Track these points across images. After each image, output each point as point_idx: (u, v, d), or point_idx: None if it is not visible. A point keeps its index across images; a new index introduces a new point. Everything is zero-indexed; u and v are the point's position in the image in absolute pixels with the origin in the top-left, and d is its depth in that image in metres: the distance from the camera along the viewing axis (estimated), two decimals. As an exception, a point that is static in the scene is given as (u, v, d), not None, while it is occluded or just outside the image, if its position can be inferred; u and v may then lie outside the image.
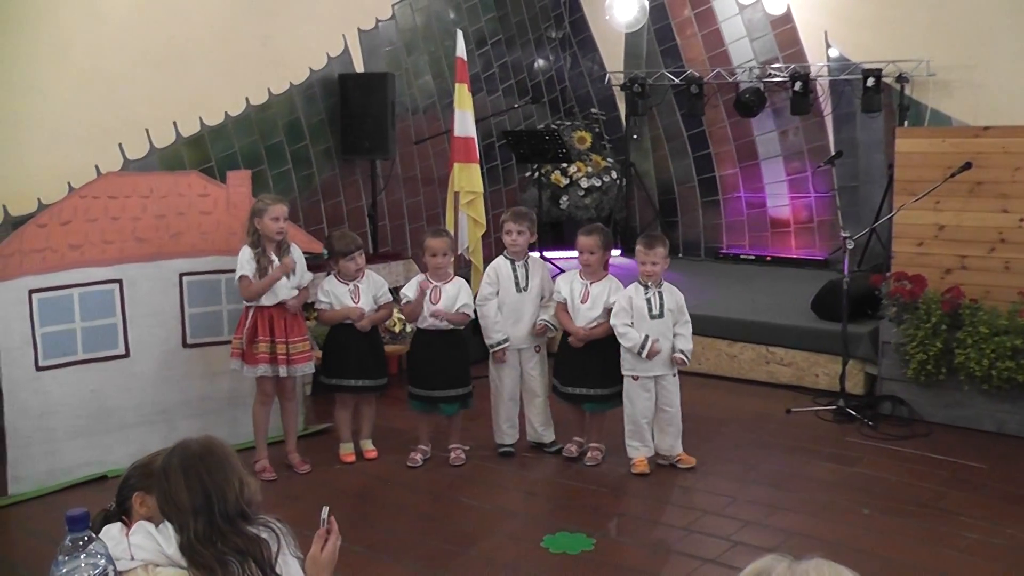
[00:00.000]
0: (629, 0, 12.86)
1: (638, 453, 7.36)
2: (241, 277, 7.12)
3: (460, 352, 7.61)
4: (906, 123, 11.27)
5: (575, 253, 7.61)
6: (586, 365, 7.41)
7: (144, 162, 8.82)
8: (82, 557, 2.68)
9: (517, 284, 7.62)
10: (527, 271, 7.65)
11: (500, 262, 7.74)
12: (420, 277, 7.57)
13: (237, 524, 3.24)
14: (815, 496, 6.89)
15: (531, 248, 7.89)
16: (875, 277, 8.93)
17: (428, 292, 7.38)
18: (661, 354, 7.22)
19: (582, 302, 7.40)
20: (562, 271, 9.11)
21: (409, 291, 7.46)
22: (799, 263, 12.44)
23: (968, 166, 8.04)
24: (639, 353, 7.17)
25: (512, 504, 6.96)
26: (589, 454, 7.55)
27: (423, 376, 7.53)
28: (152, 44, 8.86)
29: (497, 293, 7.66)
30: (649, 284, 7.27)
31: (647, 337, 7.15)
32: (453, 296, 7.50)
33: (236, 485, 3.28)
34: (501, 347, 7.65)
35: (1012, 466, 7.33)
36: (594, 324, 7.36)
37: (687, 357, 7.30)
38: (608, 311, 7.33)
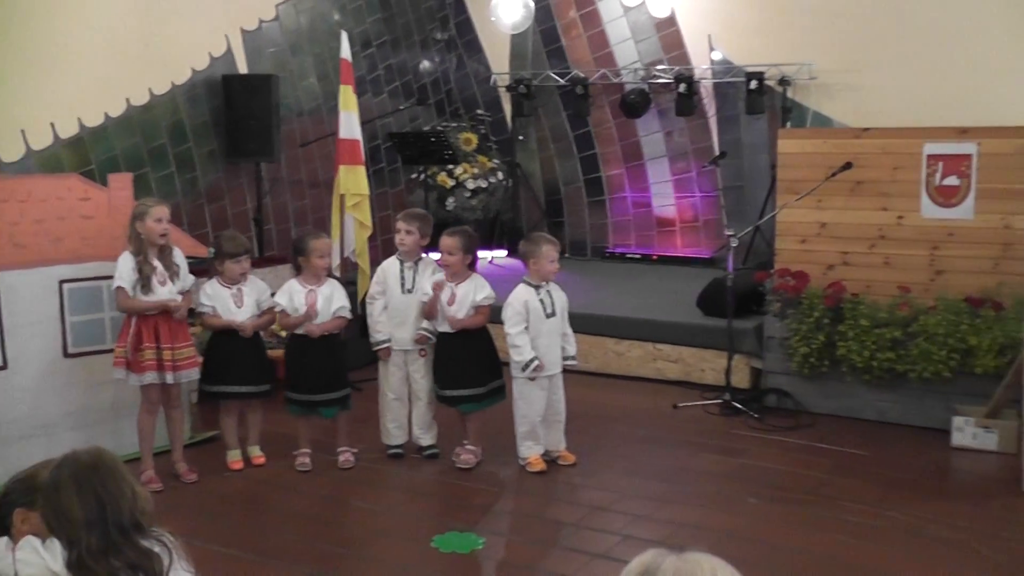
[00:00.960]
0: (514, 1, 12.91)
1: (532, 452, 7.37)
2: (118, 288, 6.94)
3: (336, 355, 7.54)
4: (788, 124, 11.48)
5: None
6: (463, 366, 7.39)
7: (20, 165, 8.63)
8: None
9: (403, 285, 7.56)
10: (415, 273, 7.59)
11: (389, 262, 7.70)
12: (294, 283, 7.46)
13: (131, 536, 3.17)
14: (703, 488, 6.97)
15: (426, 250, 7.84)
16: (759, 274, 9.07)
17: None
18: (553, 355, 7.28)
19: (449, 304, 7.34)
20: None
21: (281, 299, 7.38)
22: (685, 261, 12.60)
23: (849, 166, 8.22)
24: (523, 370, 7.23)
25: (402, 505, 6.94)
26: (463, 456, 7.49)
27: (300, 380, 7.46)
28: (27, 42, 8.68)
29: (384, 293, 7.62)
30: (540, 284, 7.30)
31: (535, 358, 7.20)
32: (328, 297, 7.47)
33: (129, 495, 3.22)
34: (382, 347, 7.63)
35: (893, 452, 7.54)
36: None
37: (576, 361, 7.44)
38: (476, 308, 7.35)
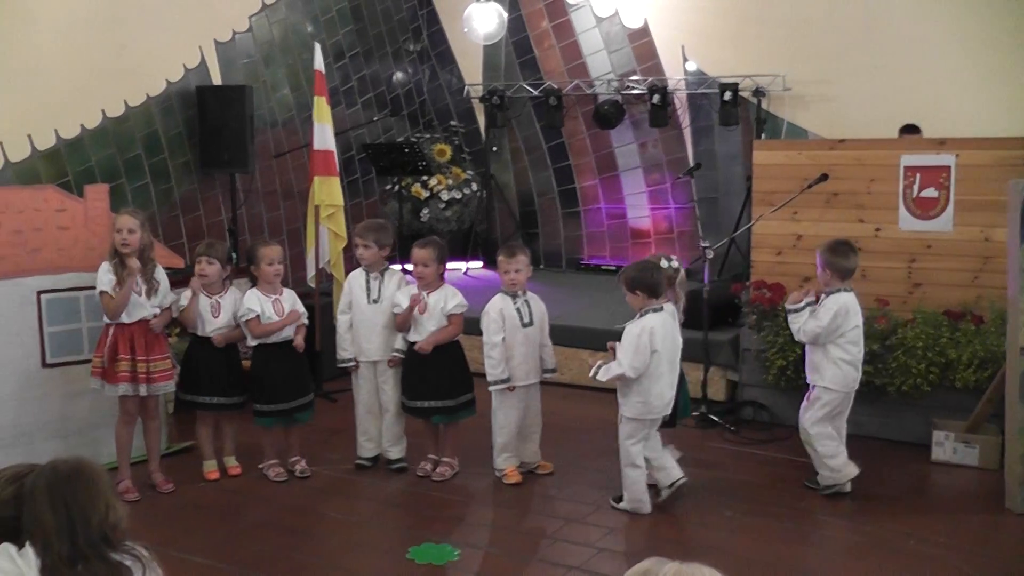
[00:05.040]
0: (487, 13, 12.94)
1: (509, 463, 7.39)
2: (101, 293, 6.98)
3: (302, 360, 7.58)
4: (763, 136, 11.54)
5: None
6: (433, 377, 7.38)
7: (-2, 176, 8.63)
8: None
9: (369, 295, 7.56)
10: (381, 283, 7.58)
11: (355, 274, 7.71)
12: (257, 293, 7.45)
13: (100, 549, 3.20)
14: (679, 501, 6.96)
15: (392, 261, 7.84)
16: (735, 286, 9.11)
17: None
18: (530, 364, 7.31)
19: (420, 313, 7.34)
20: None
21: (254, 306, 7.36)
22: (660, 273, 12.57)
23: (824, 177, 8.24)
24: (492, 384, 7.27)
25: (377, 517, 6.93)
26: (439, 469, 7.50)
27: (273, 391, 7.45)
28: (3, 55, 8.68)
29: (351, 306, 7.65)
30: (517, 293, 7.31)
31: (508, 379, 7.25)
32: (291, 303, 7.52)
33: (101, 509, 3.24)
34: (348, 365, 7.67)
35: (869, 466, 7.48)
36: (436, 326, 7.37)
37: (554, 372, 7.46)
38: (448, 317, 7.35)
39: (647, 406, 6.72)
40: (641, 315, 6.71)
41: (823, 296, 7.02)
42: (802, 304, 7.06)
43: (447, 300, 7.36)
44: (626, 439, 6.80)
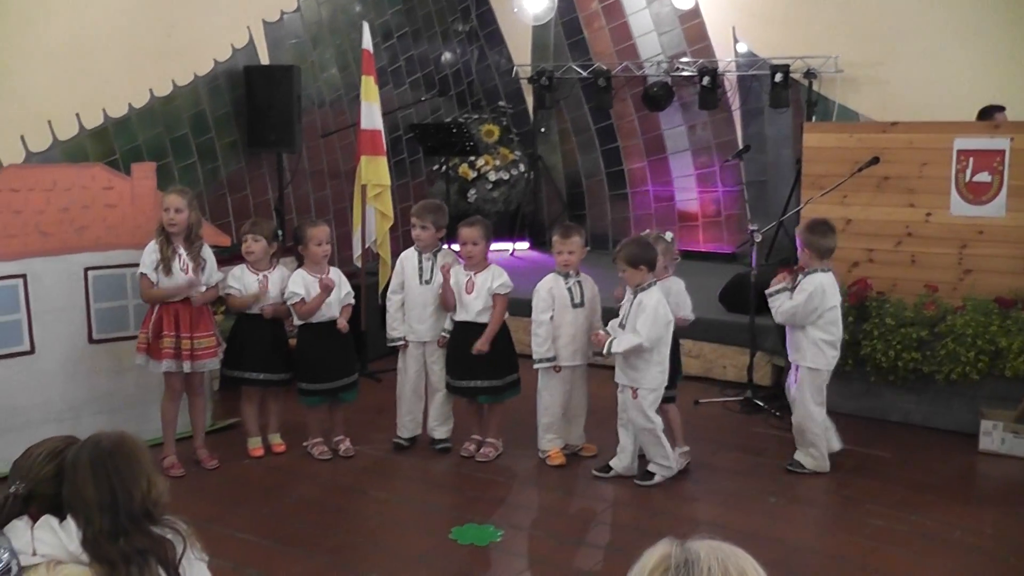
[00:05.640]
0: (536, -7, 12.90)
1: (553, 444, 7.37)
2: (141, 275, 7.02)
3: (348, 339, 7.58)
4: (814, 118, 11.41)
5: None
6: (479, 357, 7.35)
7: (47, 155, 8.65)
8: (-14, 551, 2.62)
9: (421, 276, 7.56)
10: (433, 264, 7.57)
11: (408, 254, 7.71)
12: (303, 273, 7.45)
13: (141, 524, 3.22)
14: (723, 485, 6.95)
15: (443, 242, 7.82)
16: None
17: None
18: (578, 344, 7.27)
19: (467, 292, 7.35)
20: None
21: (297, 288, 7.37)
22: (707, 256, 12.55)
23: (876, 161, 8.13)
24: (538, 362, 7.27)
25: (420, 497, 6.95)
26: (483, 450, 7.49)
27: (316, 370, 7.47)
28: (54, 35, 8.70)
29: (403, 286, 7.64)
30: (569, 274, 7.28)
31: (555, 358, 7.24)
32: (336, 283, 7.51)
33: (143, 485, 3.26)
34: (397, 343, 7.68)
35: (916, 455, 7.44)
36: (482, 311, 7.36)
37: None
38: (493, 297, 7.33)
39: (664, 375, 6.83)
40: (645, 288, 6.79)
41: (800, 277, 7.02)
42: (780, 287, 7.10)
43: (493, 280, 7.36)
44: (649, 408, 6.82)
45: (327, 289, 7.38)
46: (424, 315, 7.58)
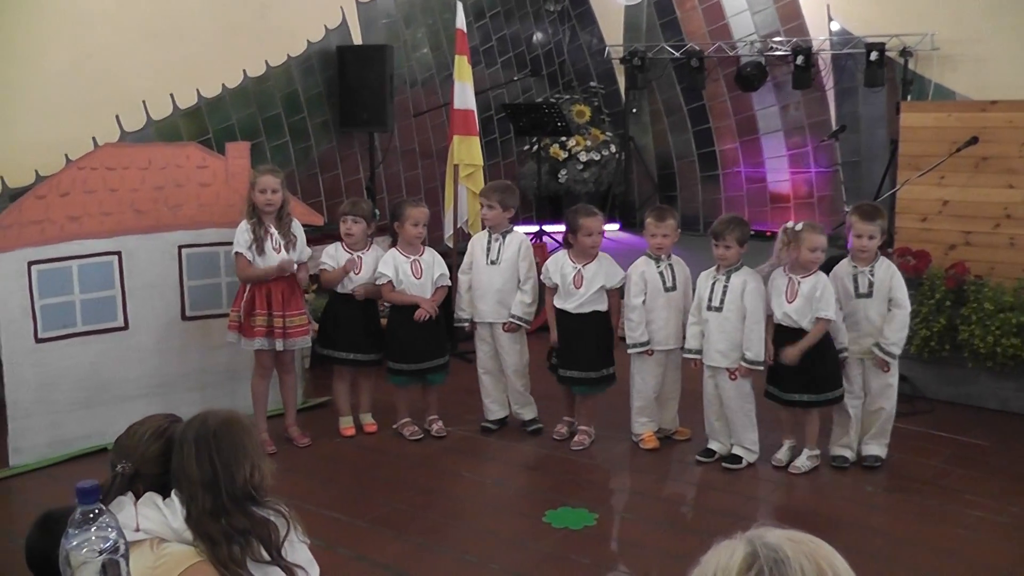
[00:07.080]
0: (629, -27, 12.82)
1: (646, 428, 7.32)
2: (237, 254, 7.07)
3: (438, 322, 7.54)
4: (909, 97, 11.23)
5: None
6: (579, 347, 7.28)
7: (141, 134, 8.78)
8: (92, 530, 2.61)
9: (488, 256, 7.52)
10: (501, 245, 7.52)
11: (479, 235, 7.72)
12: (396, 254, 7.45)
13: (243, 505, 3.24)
14: (819, 473, 6.84)
15: (515, 222, 7.76)
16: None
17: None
18: (671, 329, 7.19)
19: (576, 287, 7.22)
20: (559, 245, 9.05)
21: (387, 270, 7.35)
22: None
23: (975, 140, 7.93)
24: (631, 347, 7.21)
25: (513, 479, 6.93)
26: (577, 437, 7.42)
27: (405, 350, 7.46)
28: (148, 15, 8.81)
29: (472, 266, 7.63)
30: (661, 257, 7.22)
31: (647, 343, 7.17)
32: (430, 264, 7.49)
33: (247, 468, 3.27)
34: (463, 324, 7.70)
35: (1016, 444, 7.27)
36: (587, 298, 7.26)
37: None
38: (602, 288, 7.24)
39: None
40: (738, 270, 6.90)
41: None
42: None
43: (607, 275, 7.26)
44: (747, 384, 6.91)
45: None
46: (488, 296, 7.53)
